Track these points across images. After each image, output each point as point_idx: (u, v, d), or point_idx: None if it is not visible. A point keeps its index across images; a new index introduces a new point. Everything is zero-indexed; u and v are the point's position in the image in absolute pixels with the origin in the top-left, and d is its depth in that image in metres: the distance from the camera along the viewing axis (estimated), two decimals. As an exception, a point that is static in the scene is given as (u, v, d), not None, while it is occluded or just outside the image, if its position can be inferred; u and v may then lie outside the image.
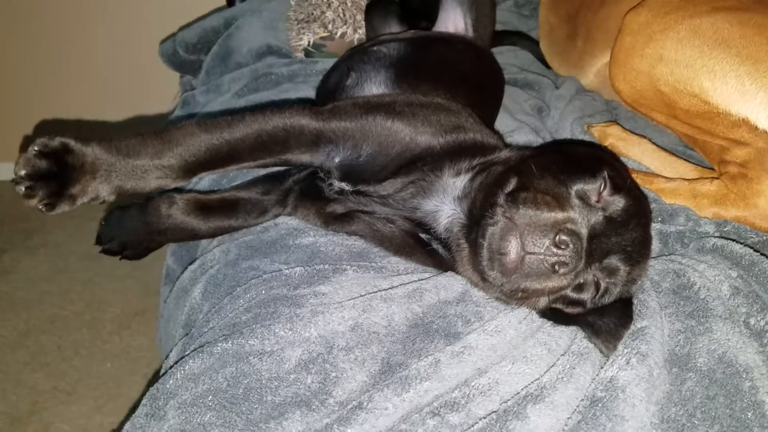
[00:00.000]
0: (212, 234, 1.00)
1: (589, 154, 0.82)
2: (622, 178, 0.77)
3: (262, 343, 0.72)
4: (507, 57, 1.52)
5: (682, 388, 0.68)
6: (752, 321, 0.74)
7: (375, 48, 1.10)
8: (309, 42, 1.40)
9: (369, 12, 1.43)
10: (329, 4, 1.40)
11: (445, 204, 0.85)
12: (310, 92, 1.35)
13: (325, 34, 1.40)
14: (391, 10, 1.43)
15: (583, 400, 0.65)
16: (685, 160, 1.11)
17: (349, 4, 1.42)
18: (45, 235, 2.50)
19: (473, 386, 0.67)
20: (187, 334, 0.90)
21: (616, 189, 0.74)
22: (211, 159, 0.84)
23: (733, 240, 0.88)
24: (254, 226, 1.00)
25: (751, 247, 0.87)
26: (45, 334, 2.09)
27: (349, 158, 0.88)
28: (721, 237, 0.90)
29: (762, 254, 0.83)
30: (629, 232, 0.74)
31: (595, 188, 0.74)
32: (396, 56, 1.07)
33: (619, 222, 0.73)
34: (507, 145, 0.93)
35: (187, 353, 0.82)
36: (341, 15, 1.39)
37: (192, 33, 1.59)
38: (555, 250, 0.67)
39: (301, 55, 1.44)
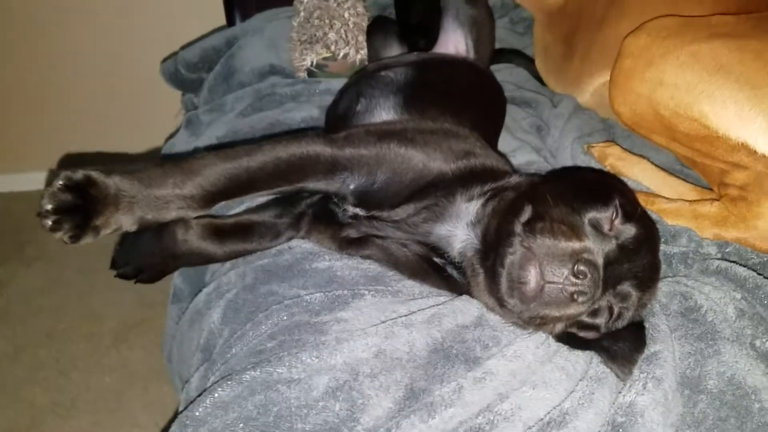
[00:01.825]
0: (227, 258, 1.02)
1: (599, 182, 0.85)
2: (632, 206, 0.80)
3: (290, 371, 0.74)
4: (503, 74, 1.55)
5: (695, 411, 0.71)
6: (758, 343, 0.78)
7: (383, 73, 1.12)
8: (312, 62, 1.42)
9: (370, 33, 1.46)
10: (332, 26, 1.42)
11: (458, 229, 0.87)
12: (313, 111, 1.37)
13: (327, 55, 1.42)
14: (391, 31, 1.46)
15: (604, 425, 0.68)
16: (683, 179, 1.15)
17: (351, 26, 1.44)
18: (38, 248, 2.49)
19: (496, 412, 0.70)
20: (208, 359, 0.92)
21: (628, 217, 0.77)
22: (230, 188, 0.86)
23: (735, 262, 0.92)
24: (268, 249, 1.02)
25: (752, 269, 0.90)
26: (42, 348, 2.09)
27: (363, 185, 0.91)
28: (723, 259, 0.94)
29: (764, 276, 0.87)
30: (640, 258, 0.77)
31: (608, 217, 0.77)
32: (403, 81, 1.09)
33: (630, 249, 0.76)
34: (515, 171, 0.96)
35: (211, 378, 0.84)
36: (344, 36, 1.41)
37: (193, 52, 1.61)
38: (574, 279, 0.69)
39: (303, 74, 1.46)
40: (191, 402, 0.83)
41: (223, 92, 1.53)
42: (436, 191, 0.89)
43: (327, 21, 1.44)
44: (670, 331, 0.80)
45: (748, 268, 0.90)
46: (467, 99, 1.15)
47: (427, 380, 0.75)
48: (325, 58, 1.44)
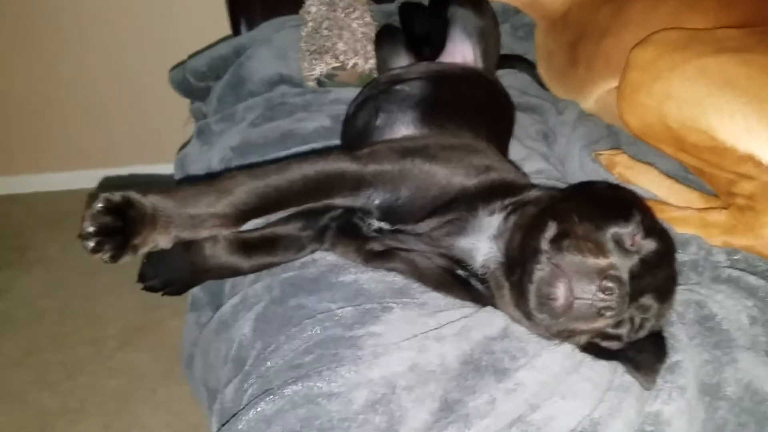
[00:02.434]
0: (253, 271, 1.04)
1: (619, 198, 0.89)
2: (651, 222, 0.84)
3: (330, 385, 0.78)
4: (507, 80, 1.57)
5: (715, 417, 0.75)
6: (772, 350, 0.82)
7: (398, 87, 1.15)
8: (322, 72, 1.45)
9: (378, 42, 1.48)
10: (340, 36, 1.45)
11: (481, 242, 0.91)
12: (325, 121, 1.40)
13: (337, 65, 1.44)
14: (398, 40, 1.48)
15: (633, 434, 0.72)
16: (689, 187, 1.19)
17: (359, 36, 1.46)
18: (38, 252, 2.50)
19: (529, 422, 0.74)
20: (241, 371, 0.94)
21: (648, 233, 0.81)
22: (261, 206, 0.89)
23: (745, 270, 0.96)
24: (292, 262, 1.04)
25: (761, 276, 0.95)
26: (47, 353, 2.10)
27: (388, 200, 0.94)
28: (734, 268, 0.98)
29: (774, 284, 0.91)
30: (660, 272, 0.81)
31: (629, 233, 0.80)
32: (419, 95, 1.12)
33: (651, 264, 0.80)
34: (532, 184, 1.00)
35: (248, 391, 0.87)
36: (352, 46, 1.44)
37: (201, 61, 1.62)
38: (601, 295, 0.73)
39: (313, 84, 1.48)
40: (232, 415, 0.86)
41: (233, 101, 1.55)
42: (458, 206, 0.92)
43: (336, 31, 1.46)
44: (688, 339, 0.84)
45: (757, 275, 0.95)
46: (481, 111, 1.18)
47: (459, 392, 0.78)
48: (334, 68, 1.46)
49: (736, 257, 1.02)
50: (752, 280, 0.92)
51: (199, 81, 1.66)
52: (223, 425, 0.83)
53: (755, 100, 0.99)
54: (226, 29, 1.86)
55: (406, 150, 0.96)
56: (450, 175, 0.94)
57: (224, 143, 1.44)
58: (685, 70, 1.06)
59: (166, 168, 2.76)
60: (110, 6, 2.51)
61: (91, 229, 0.78)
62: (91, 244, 0.78)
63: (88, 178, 2.86)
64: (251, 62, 1.57)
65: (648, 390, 0.78)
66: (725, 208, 1.06)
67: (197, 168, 1.44)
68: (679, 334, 0.84)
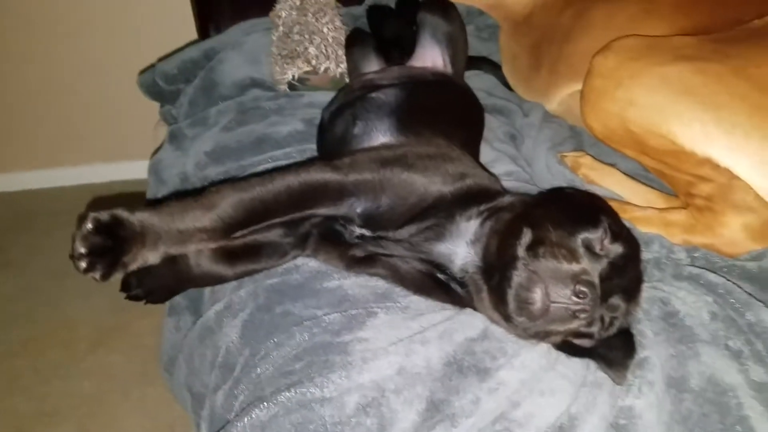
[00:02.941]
0: (237, 278, 1.07)
1: (587, 204, 0.94)
2: (618, 226, 0.90)
3: (322, 390, 0.81)
4: (473, 81, 1.61)
5: (681, 408, 0.81)
6: (731, 343, 0.88)
7: (374, 95, 1.18)
8: (294, 76, 1.47)
9: (348, 46, 1.51)
10: (311, 41, 1.47)
11: (459, 247, 0.95)
12: (298, 125, 1.42)
13: (309, 69, 1.46)
14: (368, 44, 1.51)
15: (608, 428, 0.78)
16: (649, 186, 1.26)
17: (330, 40, 1.49)
18: (6, 254, 2.47)
19: (511, 419, 0.79)
20: (229, 377, 0.97)
21: (615, 237, 0.87)
22: (247, 219, 0.92)
23: (705, 268, 1.03)
24: (275, 268, 1.07)
25: (719, 272, 1.02)
26: (18, 357, 2.09)
27: (369, 208, 0.97)
28: (694, 265, 1.05)
29: (731, 281, 0.98)
30: (627, 273, 0.87)
31: (598, 238, 0.85)
32: (395, 103, 1.16)
33: (619, 266, 0.86)
34: (506, 190, 1.05)
35: (239, 398, 0.90)
36: (324, 51, 1.46)
37: (171, 64, 1.63)
38: (575, 299, 0.78)
39: (285, 88, 1.50)
40: (225, 421, 0.90)
41: (204, 105, 1.55)
42: (436, 212, 0.97)
43: (307, 36, 1.48)
44: (654, 335, 0.90)
45: (716, 272, 1.01)
46: (453, 117, 1.22)
47: (445, 392, 0.83)
48: (306, 72, 1.48)
49: (696, 254, 1.08)
50: (712, 277, 0.98)
51: (168, 84, 1.66)
52: (218, 431, 0.86)
53: (712, 107, 1.06)
54: (194, 33, 1.86)
55: (386, 159, 0.99)
56: (428, 183, 0.98)
57: (198, 148, 1.45)
58: (646, 78, 1.11)
59: (134, 166, 2.78)
60: (78, 8, 2.49)
61: (82, 250, 0.80)
62: (84, 264, 0.80)
63: (55, 177, 2.85)
64: (222, 66, 1.58)
65: (620, 385, 0.83)
66: (685, 208, 1.12)
67: (172, 174, 1.45)
68: (646, 331, 0.90)
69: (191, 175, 1.40)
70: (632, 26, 1.31)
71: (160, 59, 1.68)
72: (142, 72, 1.70)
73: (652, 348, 0.87)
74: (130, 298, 1.13)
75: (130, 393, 2.00)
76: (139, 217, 0.85)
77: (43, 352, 2.11)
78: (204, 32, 1.79)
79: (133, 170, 2.80)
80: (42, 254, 2.48)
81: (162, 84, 1.65)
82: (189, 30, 1.91)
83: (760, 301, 0.92)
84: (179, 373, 1.25)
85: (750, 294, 0.94)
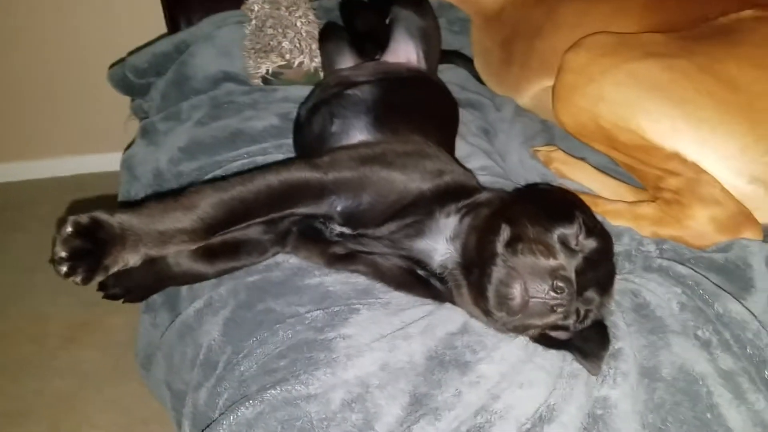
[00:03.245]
0: (217, 275, 1.07)
1: (562, 200, 0.97)
2: (592, 221, 0.93)
3: (308, 387, 0.83)
4: (446, 75, 1.63)
5: (654, 397, 0.85)
6: (699, 333, 0.92)
7: (350, 92, 1.19)
8: (268, 71, 1.47)
9: (322, 40, 1.51)
10: (285, 35, 1.47)
11: (438, 244, 0.97)
12: (273, 120, 1.42)
13: (283, 63, 1.46)
14: (342, 38, 1.51)
15: (585, 417, 0.80)
16: (619, 180, 1.29)
17: (304, 34, 1.49)
18: (-30, 250, 2.42)
19: (492, 411, 0.81)
20: (212, 375, 0.98)
21: (589, 232, 0.90)
22: (228, 219, 0.92)
23: (674, 260, 1.06)
24: (255, 265, 1.08)
25: (687, 263, 1.05)
26: (-11, 355, 2.06)
27: (350, 207, 0.99)
28: (663, 257, 1.08)
29: (698, 272, 1.01)
30: (601, 267, 0.90)
31: (574, 233, 0.88)
32: (371, 100, 1.17)
33: (593, 261, 0.88)
34: (482, 187, 1.07)
35: (224, 395, 0.91)
36: (298, 45, 1.46)
37: (142, 58, 1.61)
38: (553, 294, 0.81)
39: (258, 82, 1.50)
40: (210, 419, 0.90)
41: (177, 99, 1.54)
42: (416, 210, 0.98)
43: (280, 30, 1.48)
44: (626, 327, 0.93)
45: (684, 264, 1.05)
46: (428, 113, 1.24)
47: (427, 386, 0.85)
48: (280, 66, 1.48)
49: (664, 246, 1.12)
50: (680, 269, 1.02)
51: (139, 78, 1.64)
52: (203, 430, 0.87)
53: (680, 103, 1.09)
54: (165, 25, 1.84)
55: (365, 157, 1.00)
56: (407, 181, 1.00)
57: (172, 143, 1.44)
58: (616, 75, 1.14)
59: (102, 158, 2.75)
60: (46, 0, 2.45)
61: (63, 254, 0.79)
62: (64, 268, 0.80)
63: (21, 171, 2.80)
64: (194, 60, 1.57)
65: (595, 376, 0.86)
66: (653, 202, 1.16)
67: (145, 169, 1.44)
68: (619, 323, 0.93)
69: (165, 170, 1.40)
70: (603, 23, 1.34)
71: (131, 53, 1.66)
72: (112, 66, 1.68)
73: (625, 339, 0.90)
74: (107, 297, 1.13)
75: (103, 389, 1.98)
76: (118, 220, 0.85)
77: (13, 349, 2.07)
78: (174, 24, 1.78)
79: (101, 163, 2.77)
80: (10, 249, 2.44)
81: (132, 78, 1.63)
82: (159, 22, 1.89)
83: (727, 291, 0.96)
84: (157, 370, 1.25)
85: (717, 285, 0.98)
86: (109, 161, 2.75)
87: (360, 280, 1.02)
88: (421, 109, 1.24)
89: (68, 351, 2.10)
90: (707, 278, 0.99)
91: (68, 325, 2.17)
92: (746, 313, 0.91)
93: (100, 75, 1.79)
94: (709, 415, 0.82)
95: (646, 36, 1.22)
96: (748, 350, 0.88)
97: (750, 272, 1.00)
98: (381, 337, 0.89)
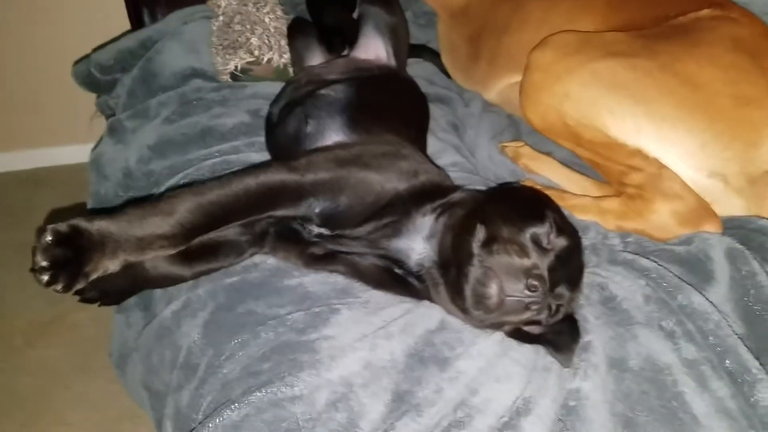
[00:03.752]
0: (195, 277, 1.08)
1: (533, 200, 1.00)
2: (562, 220, 0.96)
3: (293, 389, 0.85)
4: (414, 69, 1.65)
5: (622, 387, 0.89)
6: (664, 324, 0.96)
7: (324, 92, 1.20)
8: (236, 67, 1.46)
9: (290, 36, 1.52)
10: (253, 31, 1.47)
11: (415, 243, 1.00)
12: (243, 117, 1.42)
13: (251, 59, 1.46)
14: (310, 33, 1.52)
15: (559, 409, 0.84)
16: (584, 174, 1.33)
17: (272, 30, 1.49)
18: (-70, 250, 2.36)
19: (471, 405, 0.84)
20: (192, 377, 0.99)
21: (560, 231, 0.93)
22: (206, 223, 0.93)
23: (638, 254, 1.11)
24: (233, 266, 1.09)
25: (650, 255, 1.10)
26: (-48, 355, 2.03)
27: (328, 208, 1.00)
28: (627, 250, 1.13)
29: (661, 265, 1.06)
30: (571, 264, 0.94)
31: (545, 232, 0.92)
32: (345, 100, 1.18)
33: (563, 258, 0.92)
34: (456, 186, 1.10)
35: (207, 398, 0.93)
36: (266, 41, 1.46)
37: (107, 55, 1.59)
38: (528, 292, 0.84)
39: (227, 78, 1.49)
40: (195, 422, 0.92)
41: (144, 96, 1.53)
42: (393, 210, 1.01)
43: (248, 26, 1.48)
44: (595, 320, 0.97)
45: (648, 256, 1.10)
46: (401, 112, 1.26)
47: (408, 383, 0.87)
48: (249, 63, 1.48)
49: (629, 239, 1.17)
50: (644, 262, 1.07)
51: (104, 75, 1.62)
52: (191, 431, 0.88)
53: (642, 102, 1.13)
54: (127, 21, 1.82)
55: (342, 159, 1.02)
56: (383, 182, 1.02)
57: (140, 141, 1.43)
58: (581, 74, 1.18)
59: (61, 152, 2.71)
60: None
61: (44, 263, 0.80)
62: (46, 277, 0.80)
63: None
64: (161, 56, 1.55)
65: (567, 368, 0.90)
66: (618, 196, 1.20)
67: (114, 168, 1.43)
68: (588, 316, 0.97)
69: (135, 169, 1.39)
70: (567, 20, 1.38)
71: (95, 49, 1.63)
72: (77, 62, 1.65)
73: (594, 332, 0.95)
74: (84, 300, 1.13)
75: (72, 386, 1.98)
76: (97, 226, 0.85)
77: (-21, 348, 2.05)
78: (138, 19, 1.75)
79: (59, 156, 2.72)
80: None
81: (97, 75, 1.61)
82: (122, 17, 1.86)
83: (689, 283, 1.01)
84: (134, 371, 1.25)
85: (679, 277, 1.03)
86: (68, 154, 2.72)
87: (339, 280, 1.04)
88: (393, 108, 1.26)
89: (35, 349, 2.08)
90: (670, 271, 1.04)
91: (33, 323, 2.16)
92: (708, 305, 0.96)
93: (58, 68, 1.76)
94: (674, 403, 0.86)
95: (609, 35, 1.25)
96: (710, 340, 0.92)
97: (710, 264, 1.05)
98: (362, 336, 0.92)
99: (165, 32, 1.58)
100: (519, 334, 0.95)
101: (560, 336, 0.93)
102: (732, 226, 1.15)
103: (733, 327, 0.95)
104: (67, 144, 2.76)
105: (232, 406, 0.85)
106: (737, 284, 1.02)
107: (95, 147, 1.49)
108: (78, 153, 2.65)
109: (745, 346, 0.91)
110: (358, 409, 0.84)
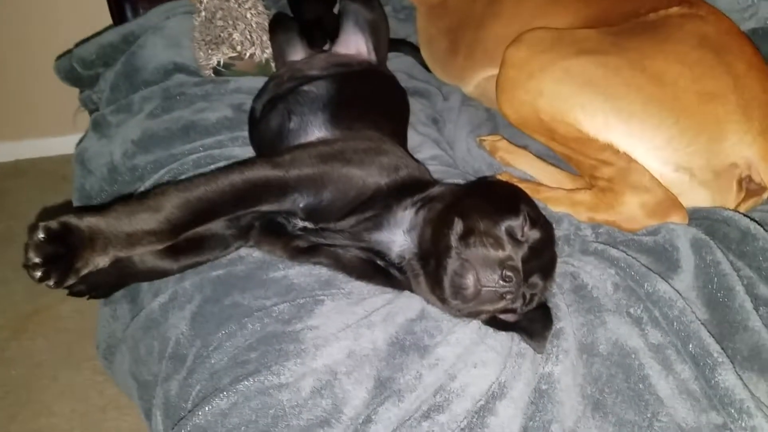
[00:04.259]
0: (181, 271, 1.11)
1: (508, 194, 1.04)
2: (536, 213, 1.01)
3: (279, 377, 0.89)
4: (394, 63, 1.69)
5: (592, 371, 0.94)
6: (632, 311, 1.01)
7: (306, 89, 1.23)
8: (219, 62, 1.49)
9: (272, 31, 1.54)
10: (235, 27, 1.49)
11: (396, 236, 1.04)
12: (226, 111, 1.45)
13: (234, 55, 1.49)
14: (291, 28, 1.55)
15: (532, 393, 0.89)
16: (558, 167, 1.38)
17: (254, 26, 1.51)
18: None
19: (449, 391, 0.89)
20: (181, 368, 1.02)
21: (533, 223, 0.98)
22: (193, 219, 0.96)
23: (608, 244, 1.16)
24: (219, 259, 1.12)
25: (620, 245, 1.15)
26: (-62, 349, 2.03)
27: (312, 203, 1.04)
28: (598, 241, 1.18)
29: (630, 255, 1.11)
30: (544, 255, 0.98)
31: (519, 225, 0.96)
32: (327, 96, 1.22)
33: (537, 249, 0.97)
34: (435, 180, 1.14)
35: (196, 387, 0.96)
36: (248, 37, 1.49)
37: (89, 49, 1.60)
38: (502, 283, 0.89)
39: (210, 73, 1.52)
40: (185, 410, 0.96)
41: (127, 91, 1.55)
42: (374, 204, 1.05)
43: (230, 22, 1.50)
44: (566, 307, 1.02)
45: (617, 246, 1.15)
46: (382, 108, 1.30)
47: (390, 370, 0.92)
48: (231, 58, 1.50)
49: (600, 230, 1.22)
50: (614, 252, 1.11)
51: (87, 70, 1.64)
52: (178, 421, 0.92)
53: (611, 98, 1.18)
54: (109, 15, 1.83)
55: (325, 155, 1.06)
56: (365, 177, 1.06)
57: (125, 136, 1.45)
58: (554, 71, 1.22)
59: (49, 142, 2.71)
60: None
61: (36, 259, 0.83)
62: (39, 273, 0.83)
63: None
64: (144, 51, 1.57)
65: (540, 354, 0.95)
66: (589, 189, 1.25)
67: (99, 164, 1.45)
68: (560, 304, 1.02)
69: (120, 164, 1.41)
70: (539, 14, 1.42)
71: (78, 44, 1.65)
72: (59, 57, 1.66)
73: (566, 319, 0.99)
74: (73, 294, 1.15)
75: (58, 378, 2.00)
76: (87, 223, 0.88)
77: (-37, 342, 2.06)
78: (120, 13, 1.76)
79: (42, 148, 2.72)
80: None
81: (80, 69, 1.63)
82: (104, 11, 1.87)
83: (655, 272, 1.06)
84: (121, 362, 1.28)
85: (647, 266, 1.08)
86: (49, 146, 2.71)
87: (322, 272, 1.07)
88: (374, 103, 1.30)
89: (19, 341, 2.10)
90: (638, 260, 1.09)
91: (17, 316, 2.17)
92: (673, 292, 1.01)
93: (39, 61, 1.77)
94: (641, 386, 0.92)
95: (581, 32, 1.30)
96: (674, 326, 0.97)
97: (676, 254, 1.10)
98: (346, 326, 0.96)
99: (147, 27, 1.60)
100: (495, 322, 0.99)
101: (534, 323, 0.98)
102: (698, 217, 1.20)
103: (696, 313, 1.00)
104: (49, 136, 2.76)
105: (221, 395, 0.89)
106: (702, 272, 1.07)
107: (80, 142, 1.51)
108: (60, 145, 2.66)
109: (708, 331, 0.96)
110: (342, 395, 0.88)
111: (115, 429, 1.86)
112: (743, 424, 0.86)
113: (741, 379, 0.90)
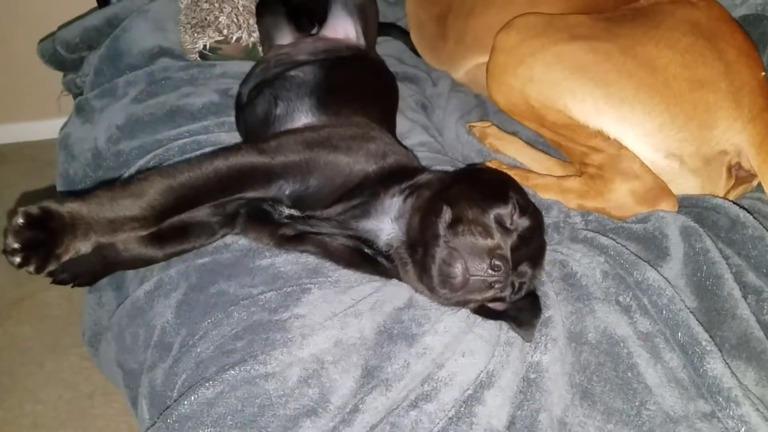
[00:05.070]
0: (167, 258, 1.10)
1: (497, 181, 1.03)
2: (525, 201, 1.00)
3: (266, 366, 0.88)
4: (383, 48, 1.67)
5: (581, 359, 0.94)
6: (621, 299, 1.01)
7: (293, 74, 1.21)
8: (205, 46, 1.46)
9: (259, 15, 1.52)
10: (222, 10, 1.47)
11: (384, 224, 1.03)
12: (212, 96, 1.43)
13: (220, 38, 1.46)
14: (278, 12, 1.52)
15: (520, 381, 0.89)
16: (548, 154, 1.37)
17: (241, 9, 1.49)
18: None
19: (437, 379, 0.88)
20: (166, 356, 1.01)
21: (523, 212, 0.97)
22: (177, 205, 0.95)
23: (598, 232, 1.15)
24: (204, 247, 1.11)
25: (609, 233, 1.15)
26: None
27: (298, 190, 1.03)
28: (588, 229, 1.17)
29: (619, 243, 1.11)
30: (533, 243, 0.98)
31: (508, 213, 0.95)
32: (314, 82, 1.20)
33: (526, 238, 0.96)
34: (423, 167, 1.13)
35: (182, 376, 0.95)
36: (235, 20, 1.47)
37: (73, 32, 1.57)
38: (491, 272, 0.88)
39: (195, 57, 1.49)
40: (170, 399, 0.94)
41: (111, 75, 1.53)
42: (362, 191, 1.03)
43: (217, 5, 1.48)
44: (555, 296, 1.02)
45: (606, 233, 1.14)
46: (370, 93, 1.28)
47: (377, 359, 0.91)
48: (217, 42, 1.48)
49: (589, 218, 1.21)
50: (603, 240, 1.11)
51: (70, 53, 1.61)
52: (164, 410, 0.91)
53: (602, 84, 1.17)
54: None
55: (311, 142, 1.04)
56: (353, 163, 1.04)
57: (109, 121, 1.43)
58: (544, 57, 1.21)
59: (31, 127, 2.67)
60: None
61: (16, 245, 0.81)
62: (18, 259, 0.82)
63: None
64: (128, 34, 1.54)
65: (528, 342, 0.94)
66: (579, 176, 1.24)
67: (83, 148, 1.43)
68: (549, 292, 1.01)
69: (104, 150, 1.39)
70: (531, 2, 1.40)
71: (61, 27, 1.62)
72: (42, 40, 1.63)
73: (555, 307, 0.99)
74: (56, 282, 1.14)
75: (43, 364, 1.98)
76: (68, 209, 0.87)
77: (-53, 330, 2.04)
78: (104, -5, 1.73)
79: (23, 132, 2.69)
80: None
81: (63, 53, 1.60)
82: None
83: (644, 260, 1.06)
84: (107, 349, 1.27)
85: (636, 254, 1.07)
86: (31, 130, 2.68)
87: (309, 260, 1.06)
88: (363, 89, 1.28)
89: (4, 328, 2.08)
90: (627, 248, 1.08)
91: (2, 302, 2.15)
92: (662, 280, 1.01)
93: (22, 44, 1.73)
94: (629, 374, 0.91)
95: (572, 18, 1.28)
96: (663, 314, 0.97)
97: (666, 241, 1.09)
98: (333, 315, 0.95)
99: (131, 10, 1.58)
100: (483, 311, 0.99)
101: (522, 312, 0.98)
102: (687, 205, 1.20)
103: (685, 301, 1.00)
104: (33, 120, 2.72)
105: (207, 384, 0.88)
106: (691, 260, 1.07)
107: (63, 127, 1.48)
108: (43, 129, 2.62)
109: (697, 319, 0.96)
110: (329, 385, 0.88)
111: (102, 416, 1.85)
112: (731, 413, 0.86)
113: (729, 367, 0.90)
